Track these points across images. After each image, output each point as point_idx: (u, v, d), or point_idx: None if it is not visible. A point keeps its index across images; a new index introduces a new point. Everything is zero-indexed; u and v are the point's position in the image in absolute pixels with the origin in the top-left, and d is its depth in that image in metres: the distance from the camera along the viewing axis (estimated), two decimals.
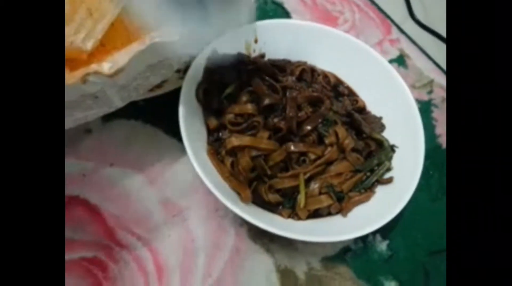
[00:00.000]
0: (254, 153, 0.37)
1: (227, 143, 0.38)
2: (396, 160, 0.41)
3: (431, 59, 0.55)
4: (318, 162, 0.38)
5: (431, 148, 0.40)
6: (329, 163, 0.39)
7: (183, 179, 0.40)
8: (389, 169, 0.41)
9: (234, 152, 0.38)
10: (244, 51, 0.44)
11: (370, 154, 0.41)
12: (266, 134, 0.38)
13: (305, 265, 0.38)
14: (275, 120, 0.39)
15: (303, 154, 0.38)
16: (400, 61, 0.54)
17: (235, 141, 0.37)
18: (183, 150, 0.36)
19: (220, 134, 0.40)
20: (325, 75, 0.45)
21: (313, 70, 0.45)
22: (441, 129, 0.49)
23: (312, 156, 0.38)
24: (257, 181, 0.38)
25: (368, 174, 0.40)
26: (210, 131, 0.40)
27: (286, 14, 0.55)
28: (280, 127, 0.38)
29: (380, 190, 0.40)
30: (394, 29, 0.57)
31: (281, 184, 0.38)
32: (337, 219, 0.38)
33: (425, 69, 0.54)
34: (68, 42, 0.32)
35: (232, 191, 0.37)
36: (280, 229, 0.34)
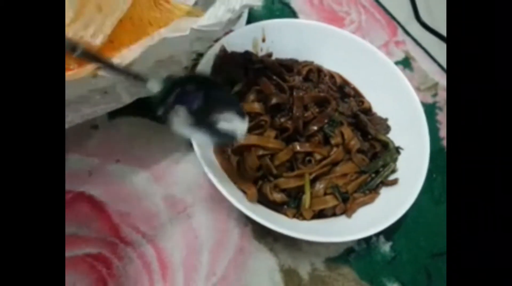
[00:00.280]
0: (260, 152, 0.37)
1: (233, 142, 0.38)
2: (401, 162, 0.41)
3: (436, 62, 0.55)
4: (324, 162, 0.38)
5: (435, 151, 0.40)
6: (335, 163, 0.39)
7: (188, 177, 0.40)
8: (394, 171, 0.41)
9: (240, 150, 0.38)
10: (251, 50, 0.44)
11: (375, 155, 0.41)
12: (272, 133, 0.38)
13: (308, 265, 0.38)
14: (282, 119, 0.39)
15: (309, 154, 0.39)
16: (405, 63, 0.54)
17: (241, 140, 0.37)
18: (189, 148, 0.35)
19: None
20: (332, 76, 0.45)
21: (319, 70, 0.45)
22: (445, 132, 0.49)
23: (318, 157, 0.38)
24: (263, 180, 0.38)
25: (373, 175, 0.40)
26: None
27: (292, 14, 0.55)
28: (286, 126, 0.38)
29: (384, 191, 0.40)
30: (399, 31, 0.57)
31: (287, 183, 0.38)
32: (341, 220, 0.38)
33: (430, 71, 0.54)
34: (77, 37, 0.32)
35: (238, 190, 0.37)
36: (284, 228, 0.34)
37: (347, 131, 0.39)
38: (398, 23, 0.58)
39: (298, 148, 0.38)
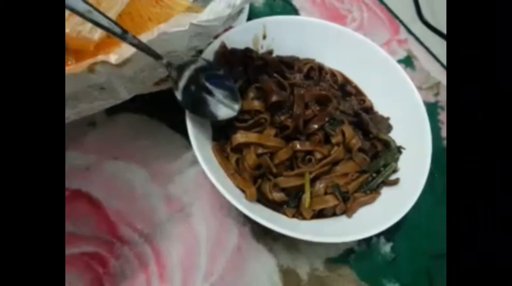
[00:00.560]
0: (260, 150, 0.36)
1: (233, 140, 0.37)
2: (403, 162, 0.41)
3: (439, 61, 0.55)
4: (324, 161, 0.38)
5: (437, 150, 0.40)
6: (335, 163, 0.38)
7: (187, 175, 0.39)
8: (395, 171, 0.40)
9: (239, 149, 0.38)
10: (252, 47, 0.43)
11: (377, 154, 0.41)
12: (272, 131, 0.37)
13: (308, 266, 0.38)
14: (282, 117, 0.38)
15: (309, 153, 0.38)
16: (407, 62, 0.54)
17: (241, 138, 0.37)
18: (187, 146, 0.35)
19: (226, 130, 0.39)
20: (333, 74, 0.45)
21: (321, 68, 0.45)
22: None
23: (318, 155, 0.38)
24: (262, 179, 0.38)
25: (374, 175, 0.40)
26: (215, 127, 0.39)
27: (294, 11, 0.54)
28: (287, 124, 0.38)
29: (385, 191, 0.39)
30: (402, 30, 0.57)
31: (286, 182, 0.37)
32: (342, 220, 0.38)
33: (432, 71, 0.54)
34: (75, 31, 0.31)
35: (237, 189, 0.36)
36: (284, 228, 0.33)
37: (348, 130, 0.39)
38: (401, 21, 0.57)
39: (298, 146, 0.37)
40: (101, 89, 0.30)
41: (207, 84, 0.36)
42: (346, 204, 0.38)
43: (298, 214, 0.37)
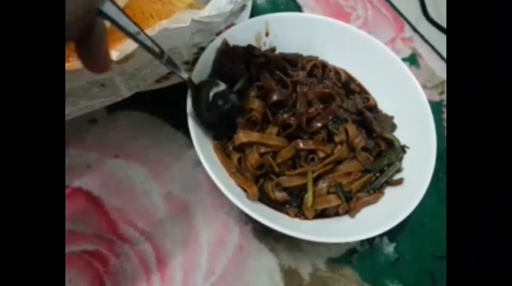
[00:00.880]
0: (262, 149, 0.36)
1: (235, 139, 0.37)
2: (407, 161, 0.40)
3: (444, 59, 0.54)
4: (327, 160, 0.37)
5: (441, 150, 0.39)
6: (338, 162, 0.38)
7: (188, 173, 0.39)
8: (399, 170, 0.40)
9: (241, 148, 0.37)
10: (254, 44, 0.43)
11: (380, 154, 0.40)
12: (275, 130, 0.37)
13: (310, 265, 0.37)
14: (285, 115, 0.38)
15: (312, 151, 0.38)
16: (412, 60, 0.53)
17: (243, 137, 0.36)
18: (189, 144, 0.35)
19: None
20: (337, 71, 0.44)
21: (324, 65, 0.44)
22: None
23: (321, 154, 0.37)
24: (264, 178, 0.37)
25: (378, 174, 0.39)
26: None
27: (297, 8, 0.54)
28: (289, 123, 0.37)
29: (389, 191, 0.39)
30: (407, 28, 0.56)
31: (289, 182, 0.37)
32: (344, 220, 0.37)
33: (437, 69, 0.53)
34: None
35: (238, 188, 0.36)
36: (285, 228, 0.33)
37: (351, 128, 0.38)
38: (406, 19, 0.57)
39: (301, 145, 0.37)
40: (102, 86, 0.30)
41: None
42: (349, 203, 0.37)
43: (300, 213, 0.37)
